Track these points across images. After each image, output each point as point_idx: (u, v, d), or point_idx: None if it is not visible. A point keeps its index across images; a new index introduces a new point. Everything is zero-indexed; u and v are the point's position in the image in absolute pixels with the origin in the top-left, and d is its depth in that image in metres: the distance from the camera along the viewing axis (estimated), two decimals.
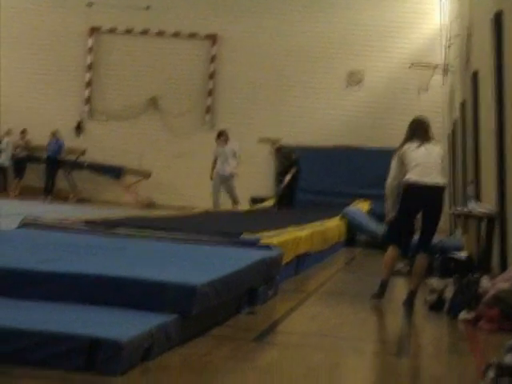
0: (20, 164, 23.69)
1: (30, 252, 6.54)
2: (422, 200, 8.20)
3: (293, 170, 19.04)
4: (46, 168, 23.42)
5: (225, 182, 17.75)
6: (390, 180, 8.58)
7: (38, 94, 24.66)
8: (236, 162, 17.70)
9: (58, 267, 5.76)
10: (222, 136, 17.97)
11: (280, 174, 19.78)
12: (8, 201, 21.27)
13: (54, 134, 23.48)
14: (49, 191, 23.22)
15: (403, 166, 8.27)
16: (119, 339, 4.48)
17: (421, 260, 8.31)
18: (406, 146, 8.32)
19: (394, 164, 8.53)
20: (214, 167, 17.81)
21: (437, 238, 11.35)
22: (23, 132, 23.71)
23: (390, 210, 8.56)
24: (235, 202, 18.10)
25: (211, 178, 17.87)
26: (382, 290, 8.34)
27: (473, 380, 5.21)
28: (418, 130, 8.42)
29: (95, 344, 4.46)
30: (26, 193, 23.30)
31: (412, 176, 8.15)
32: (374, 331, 7.14)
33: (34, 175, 24.06)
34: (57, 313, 5.09)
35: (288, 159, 19.50)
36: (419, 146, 8.27)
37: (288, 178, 18.96)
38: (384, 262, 8.50)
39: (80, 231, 8.69)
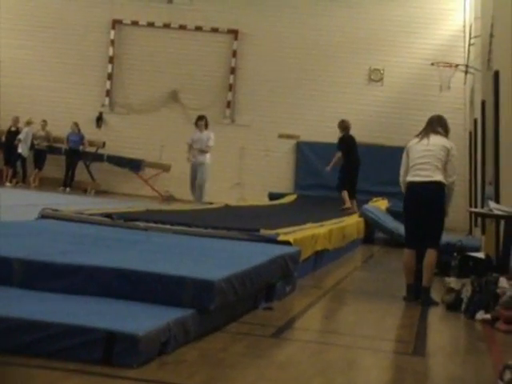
0: (40, 155, 23.77)
1: (49, 244, 6.58)
2: (417, 198, 8.30)
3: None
4: (66, 159, 23.50)
5: (197, 169, 17.20)
6: (401, 176, 8.57)
7: (59, 85, 24.72)
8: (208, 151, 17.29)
9: (77, 260, 5.79)
10: (202, 120, 17.34)
11: None
12: (28, 191, 21.36)
13: (76, 126, 23.56)
14: (68, 183, 23.31)
15: (409, 162, 8.36)
16: (136, 333, 4.50)
17: (428, 256, 8.32)
18: (411, 142, 8.43)
19: (403, 159, 8.55)
20: (190, 152, 17.39)
21: (455, 238, 11.34)
22: (44, 122, 23.77)
23: None
24: (200, 196, 17.29)
25: (189, 160, 17.41)
26: (409, 293, 8.36)
27: (490, 380, 5.20)
28: (427, 125, 8.50)
29: (112, 337, 4.48)
30: (45, 184, 23.39)
31: (409, 176, 8.35)
32: (391, 330, 7.12)
33: (54, 166, 24.16)
34: (75, 305, 5.12)
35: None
36: (421, 139, 8.37)
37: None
38: (403, 266, 8.53)
39: (99, 224, 8.72)
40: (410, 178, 8.34)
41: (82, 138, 23.57)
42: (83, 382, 4.24)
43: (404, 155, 8.50)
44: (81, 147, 23.49)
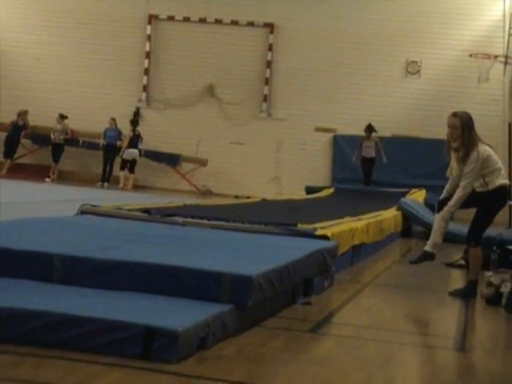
0: (57, 148, 23.84)
1: (88, 240, 6.63)
2: (506, 200, 8.63)
3: None
4: (104, 154, 23.62)
5: None
6: (470, 184, 8.33)
7: (95, 81, 24.89)
8: None
9: (116, 255, 5.83)
10: None
11: None
12: (66, 187, 21.51)
13: (114, 121, 23.66)
14: (106, 178, 23.43)
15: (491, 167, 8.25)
16: (176, 328, 4.52)
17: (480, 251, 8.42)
18: (488, 149, 8.18)
19: (476, 166, 8.10)
20: None
21: (495, 231, 11.25)
22: (61, 116, 23.82)
23: None
24: None
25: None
26: (475, 290, 8.28)
27: None
28: (475, 131, 8.30)
29: (152, 332, 4.50)
30: (64, 177, 23.56)
31: (501, 179, 8.31)
32: (430, 324, 7.09)
33: (72, 160, 24.37)
34: (114, 301, 5.15)
35: None
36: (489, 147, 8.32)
37: None
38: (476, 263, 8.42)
39: (137, 219, 8.77)
40: (504, 181, 8.26)
41: (119, 133, 23.67)
42: (124, 376, 4.27)
43: (479, 163, 8.05)
44: (118, 142, 23.58)
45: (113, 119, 23.66)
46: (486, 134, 8.49)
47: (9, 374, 4.09)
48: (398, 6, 23.67)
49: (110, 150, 23.50)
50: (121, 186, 22.84)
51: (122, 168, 23.07)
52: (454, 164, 8.45)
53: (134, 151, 22.99)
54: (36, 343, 4.55)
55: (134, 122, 23.32)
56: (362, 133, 22.30)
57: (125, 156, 22.89)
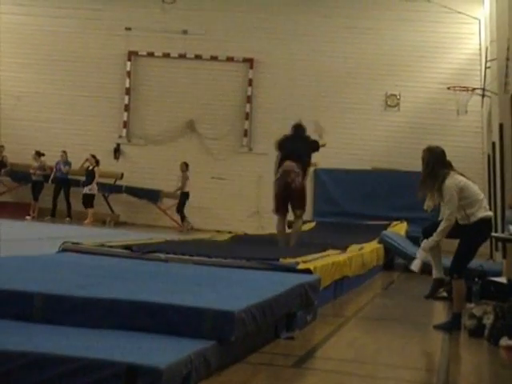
0: (36, 186, 23.73)
1: (69, 277, 6.58)
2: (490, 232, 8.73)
3: None
4: (56, 189, 23.52)
5: None
6: (452, 214, 8.38)
7: (76, 117, 24.89)
8: None
9: (96, 293, 5.78)
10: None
11: None
12: (45, 224, 21.39)
13: (65, 154, 23.64)
14: (67, 213, 23.37)
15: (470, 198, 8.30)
16: (158, 366, 4.47)
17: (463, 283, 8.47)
18: (462, 180, 8.28)
19: (454, 196, 8.18)
20: None
21: (476, 263, 11.28)
22: (38, 154, 23.72)
23: None
24: None
25: None
26: (459, 321, 8.28)
27: None
28: (449, 162, 8.41)
29: (134, 371, 4.45)
30: (45, 214, 23.35)
31: (482, 211, 8.32)
32: (414, 358, 7.06)
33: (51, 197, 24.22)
34: (95, 339, 5.10)
35: None
36: (465, 178, 8.44)
37: None
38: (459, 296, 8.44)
39: (119, 256, 8.73)
40: (486, 214, 8.26)
41: (69, 165, 23.56)
42: None
43: (454, 192, 8.13)
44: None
45: (64, 152, 23.57)
46: (466, 165, 8.60)
47: None
48: (377, 41, 23.85)
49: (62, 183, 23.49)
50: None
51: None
52: (428, 199, 8.57)
53: (88, 187, 22.88)
54: None
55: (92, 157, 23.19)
56: (342, 166, 22.39)
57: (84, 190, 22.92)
